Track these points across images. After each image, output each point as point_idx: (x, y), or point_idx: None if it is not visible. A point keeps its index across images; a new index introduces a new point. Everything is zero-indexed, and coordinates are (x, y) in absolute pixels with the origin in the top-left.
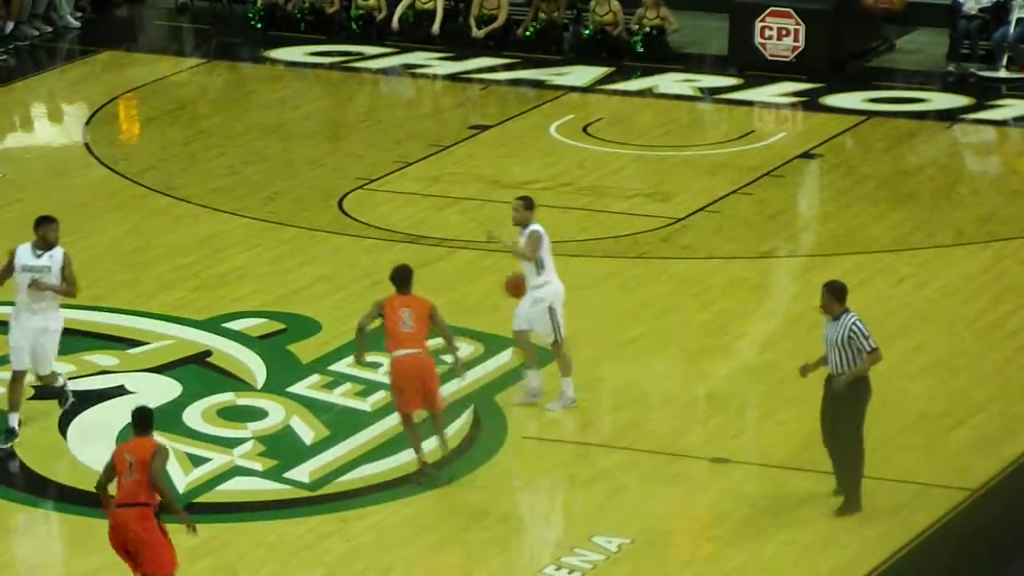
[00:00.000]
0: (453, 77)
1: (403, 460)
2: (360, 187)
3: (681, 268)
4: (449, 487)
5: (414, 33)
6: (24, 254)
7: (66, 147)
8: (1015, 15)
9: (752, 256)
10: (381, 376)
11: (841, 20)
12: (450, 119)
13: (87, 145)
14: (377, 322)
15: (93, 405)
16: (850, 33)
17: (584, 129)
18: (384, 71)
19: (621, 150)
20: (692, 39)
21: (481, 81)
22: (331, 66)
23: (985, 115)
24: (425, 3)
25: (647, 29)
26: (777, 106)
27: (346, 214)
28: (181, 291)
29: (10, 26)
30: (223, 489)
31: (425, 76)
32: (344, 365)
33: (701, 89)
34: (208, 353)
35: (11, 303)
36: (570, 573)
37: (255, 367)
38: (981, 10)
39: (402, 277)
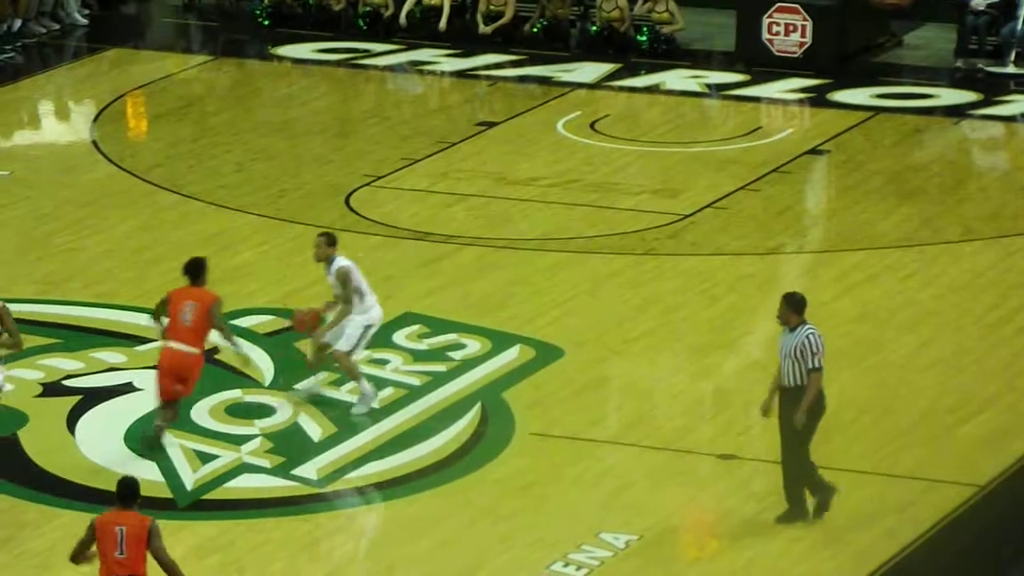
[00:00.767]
0: (460, 74)
1: (410, 457)
2: (367, 184)
3: (688, 264)
4: (456, 483)
5: (421, 30)
6: None
7: (73, 144)
8: (1023, 10)
9: (759, 252)
10: (389, 373)
11: (848, 16)
12: (457, 116)
13: (94, 142)
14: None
15: (101, 402)
16: (857, 29)
17: (591, 126)
18: (391, 68)
19: (628, 146)
20: (699, 35)
21: (488, 78)
22: (338, 63)
23: (993, 111)
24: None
25: (655, 27)
26: (784, 102)
27: (353, 211)
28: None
29: (18, 24)
30: (231, 486)
31: (432, 73)
32: None
33: (708, 85)
34: (215, 350)
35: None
36: (577, 570)
37: (263, 364)
38: (989, 5)
39: (193, 269)
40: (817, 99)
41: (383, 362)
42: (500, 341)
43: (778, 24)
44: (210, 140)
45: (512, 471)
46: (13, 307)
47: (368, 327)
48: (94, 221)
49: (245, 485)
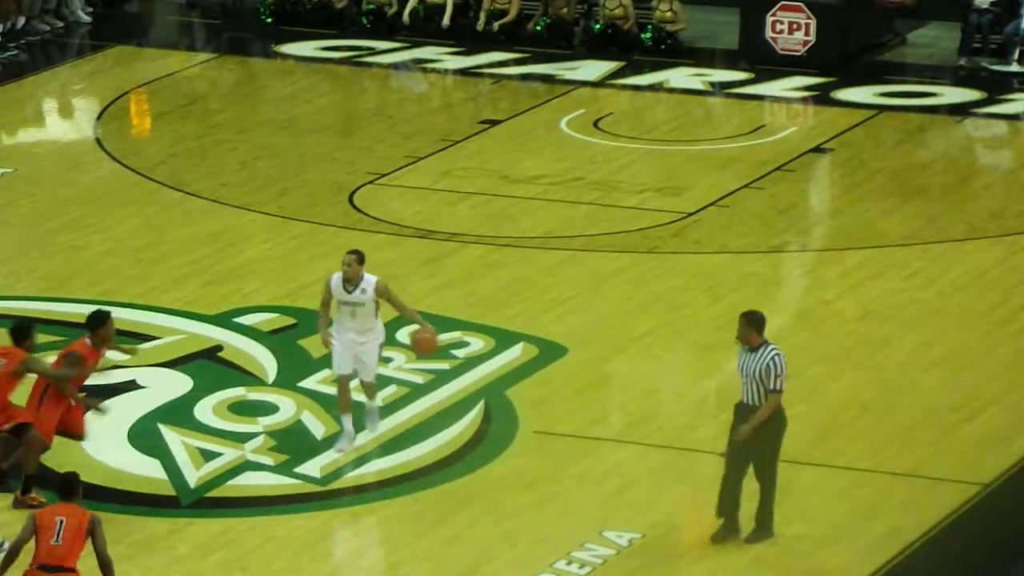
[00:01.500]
0: (464, 72)
1: (414, 455)
2: (371, 182)
3: (692, 263)
4: (460, 481)
5: (425, 28)
6: None
7: (77, 142)
8: None
9: (763, 251)
10: (392, 371)
11: (852, 14)
12: (461, 114)
13: (98, 140)
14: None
15: (104, 400)
16: (861, 27)
17: (595, 124)
18: (395, 66)
19: (632, 145)
20: (703, 33)
21: (492, 76)
22: (342, 61)
23: (997, 109)
24: None
25: (659, 25)
26: (788, 100)
27: (357, 209)
28: (192, 286)
29: (21, 21)
30: (234, 484)
31: (436, 71)
32: None
33: (712, 84)
34: (219, 348)
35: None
36: (580, 568)
37: (266, 362)
38: (993, 4)
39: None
40: (821, 97)
41: (386, 360)
42: (503, 339)
43: (782, 22)
44: (213, 138)
45: (515, 469)
46: (16, 305)
47: (382, 344)
48: (97, 219)
49: (248, 483)
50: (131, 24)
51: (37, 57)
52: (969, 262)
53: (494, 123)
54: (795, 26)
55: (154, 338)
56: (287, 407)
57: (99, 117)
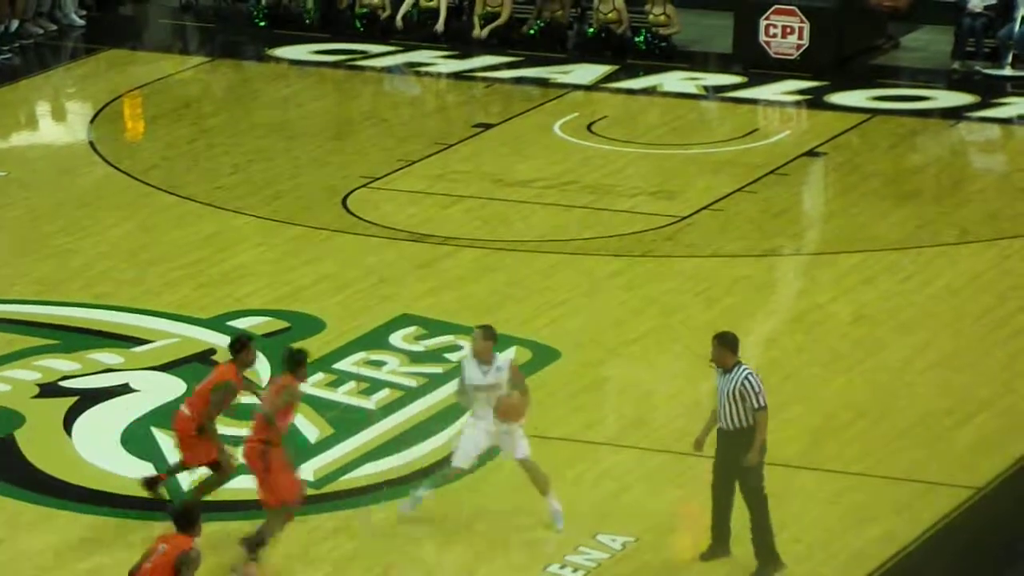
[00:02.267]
0: (457, 75)
1: (407, 459)
2: (364, 185)
3: (685, 266)
4: (453, 485)
5: (418, 31)
6: None
7: (70, 145)
8: (1020, 12)
9: (756, 254)
10: (385, 374)
11: (846, 18)
12: (454, 117)
13: (91, 143)
14: None
15: (98, 403)
16: (855, 31)
17: (588, 127)
18: (388, 69)
19: (625, 148)
20: (696, 37)
21: (485, 79)
22: (335, 64)
23: (990, 113)
24: (429, 1)
25: (652, 29)
26: (782, 104)
27: (350, 212)
28: (185, 289)
29: (15, 24)
30: (228, 487)
31: (429, 74)
32: (348, 363)
33: (705, 87)
34: (212, 351)
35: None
36: (575, 571)
37: (259, 366)
38: (986, 7)
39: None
40: (814, 101)
41: (380, 364)
42: (497, 343)
43: (775, 26)
44: (207, 141)
45: (510, 473)
46: (10, 308)
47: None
48: (91, 222)
49: (241, 487)
50: (124, 27)
51: (31, 60)
52: (963, 266)
53: (487, 127)
54: (788, 30)
55: (147, 341)
56: None
57: (93, 120)
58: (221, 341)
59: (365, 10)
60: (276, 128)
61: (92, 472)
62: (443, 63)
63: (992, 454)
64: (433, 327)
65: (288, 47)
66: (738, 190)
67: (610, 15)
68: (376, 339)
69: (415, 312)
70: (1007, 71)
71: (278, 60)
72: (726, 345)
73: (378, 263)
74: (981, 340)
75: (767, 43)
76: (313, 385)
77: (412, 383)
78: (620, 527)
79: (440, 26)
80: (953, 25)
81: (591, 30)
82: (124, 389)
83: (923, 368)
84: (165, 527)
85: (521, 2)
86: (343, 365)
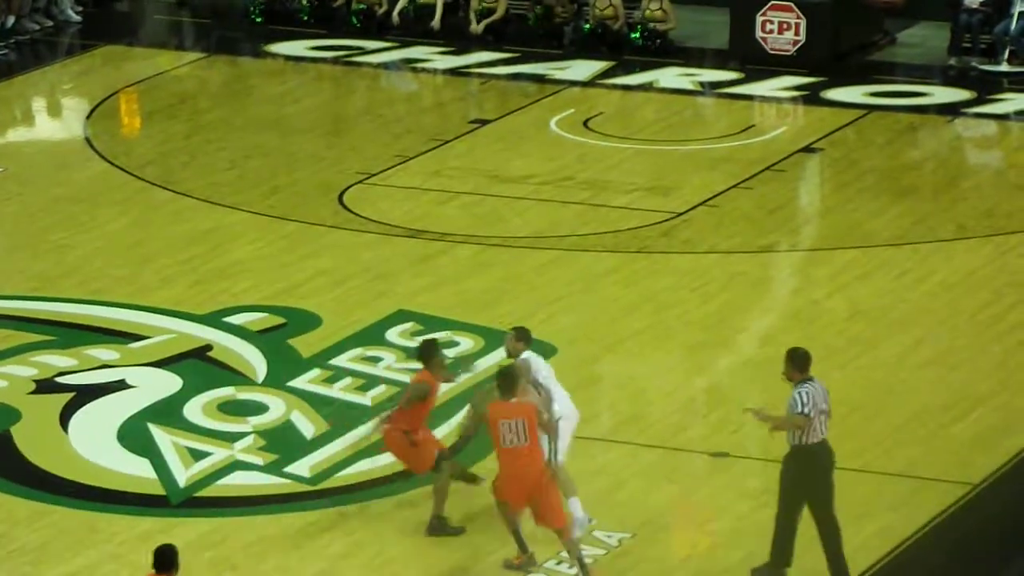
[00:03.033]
0: (453, 71)
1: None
2: (360, 181)
3: (681, 262)
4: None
5: (414, 27)
6: None
7: (67, 141)
8: (1016, 8)
9: (752, 250)
10: (382, 371)
11: (842, 14)
12: (450, 113)
13: (87, 139)
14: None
15: (94, 399)
16: (851, 27)
17: (584, 123)
18: (384, 65)
19: (621, 144)
20: (693, 33)
21: (481, 75)
22: (331, 60)
23: (986, 109)
24: None
25: (649, 25)
26: (778, 100)
27: (346, 208)
28: (181, 285)
29: (11, 20)
30: (224, 483)
31: (425, 70)
32: (344, 359)
33: (702, 83)
34: (208, 347)
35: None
36: (570, 567)
37: (256, 361)
38: (982, 4)
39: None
40: (810, 97)
41: (376, 360)
42: (493, 339)
43: (771, 22)
44: (203, 137)
45: None
46: (6, 304)
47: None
48: (87, 218)
49: (238, 482)
50: (121, 23)
51: (27, 56)
52: (959, 262)
53: (484, 123)
54: (785, 26)
55: (144, 337)
56: (277, 407)
57: (89, 116)
58: (217, 337)
59: (361, 6)
60: (272, 124)
61: (88, 468)
62: (439, 59)
63: (988, 450)
64: (429, 323)
65: (284, 43)
66: (734, 186)
67: (606, 11)
68: (372, 335)
69: (411, 308)
70: (1003, 67)
71: (274, 56)
72: (791, 361)
73: (374, 259)
74: (977, 336)
75: (763, 39)
76: (310, 381)
77: (408, 379)
78: (616, 523)
79: (436, 22)
80: (949, 21)
81: (587, 26)
82: (120, 385)
83: (919, 364)
84: (159, 522)
85: None
86: (339, 361)
